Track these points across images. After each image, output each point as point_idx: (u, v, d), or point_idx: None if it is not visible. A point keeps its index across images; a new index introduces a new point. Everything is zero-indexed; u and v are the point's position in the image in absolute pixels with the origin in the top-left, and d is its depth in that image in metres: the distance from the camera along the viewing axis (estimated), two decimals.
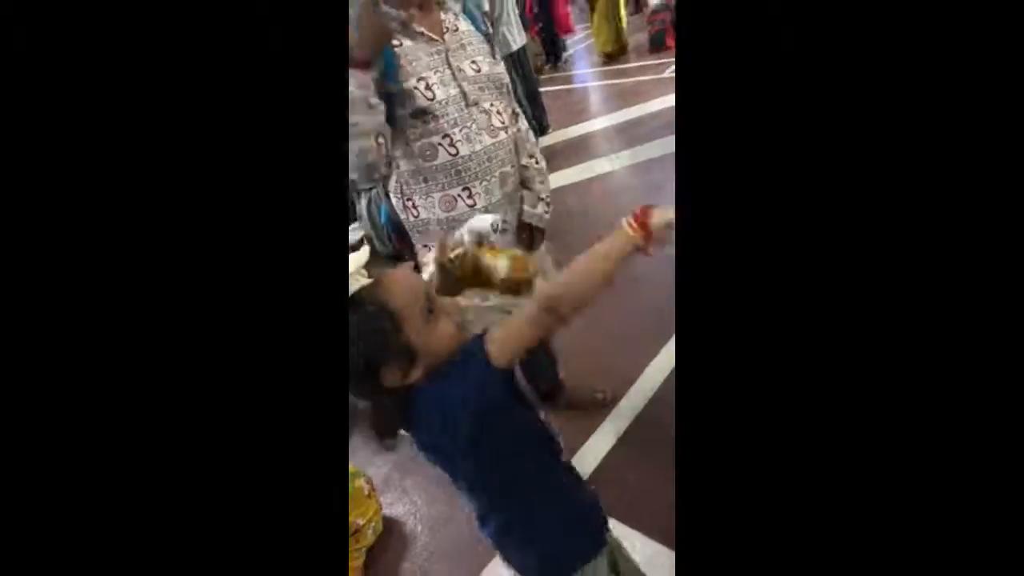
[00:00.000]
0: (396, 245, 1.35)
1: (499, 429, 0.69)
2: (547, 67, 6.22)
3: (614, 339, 1.95)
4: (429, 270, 0.80)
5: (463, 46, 1.14)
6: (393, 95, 1.07)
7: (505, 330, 0.66)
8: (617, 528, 1.39)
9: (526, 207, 1.31)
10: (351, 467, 1.56)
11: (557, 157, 3.76)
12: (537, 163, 1.33)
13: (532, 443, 0.75)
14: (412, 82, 1.07)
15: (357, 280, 0.61)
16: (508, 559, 0.81)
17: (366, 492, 1.52)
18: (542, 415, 0.79)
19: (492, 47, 1.22)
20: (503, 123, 1.19)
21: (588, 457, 1.61)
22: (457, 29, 1.14)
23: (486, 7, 3.66)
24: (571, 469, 0.83)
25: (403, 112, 1.08)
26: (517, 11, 3.96)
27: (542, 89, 4.39)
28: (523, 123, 1.33)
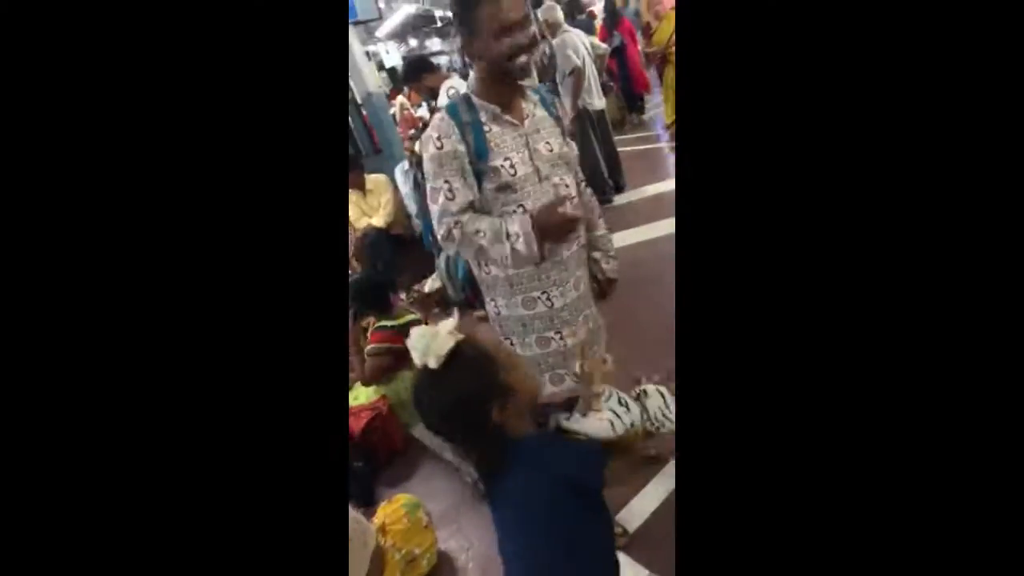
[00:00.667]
0: (469, 297, 1.54)
1: (568, 510, 0.76)
2: (632, 116, 6.48)
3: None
4: None
5: (538, 130, 1.33)
6: (482, 172, 1.26)
7: (622, 468, 0.79)
8: None
9: (601, 264, 1.50)
10: (413, 498, 1.68)
11: (630, 214, 3.86)
12: (600, 229, 1.52)
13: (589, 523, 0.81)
14: (499, 161, 1.26)
15: (454, 336, 0.73)
16: None
17: (424, 523, 1.64)
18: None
19: (562, 128, 1.39)
20: (568, 194, 1.35)
21: (636, 511, 1.63)
22: (534, 115, 1.33)
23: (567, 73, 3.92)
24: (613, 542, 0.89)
25: (489, 187, 1.27)
26: (598, 77, 4.18)
27: (622, 150, 4.55)
28: (589, 195, 1.50)
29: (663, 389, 0.83)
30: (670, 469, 1.73)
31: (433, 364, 0.72)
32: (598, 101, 4.05)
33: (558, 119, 1.39)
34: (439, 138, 1.24)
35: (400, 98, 6.55)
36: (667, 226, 3.47)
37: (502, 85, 1.26)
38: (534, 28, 1.22)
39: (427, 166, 1.26)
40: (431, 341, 0.72)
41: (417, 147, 1.37)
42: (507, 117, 1.27)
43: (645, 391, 0.83)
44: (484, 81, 1.27)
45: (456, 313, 0.80)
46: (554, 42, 3.91)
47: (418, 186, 1.40)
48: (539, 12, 3.91)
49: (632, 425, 0.79)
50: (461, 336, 0.74)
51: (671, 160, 4.56)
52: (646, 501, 1.65)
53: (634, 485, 1.70)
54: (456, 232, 1.24)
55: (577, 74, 3.85)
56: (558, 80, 4.00)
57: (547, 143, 1.32)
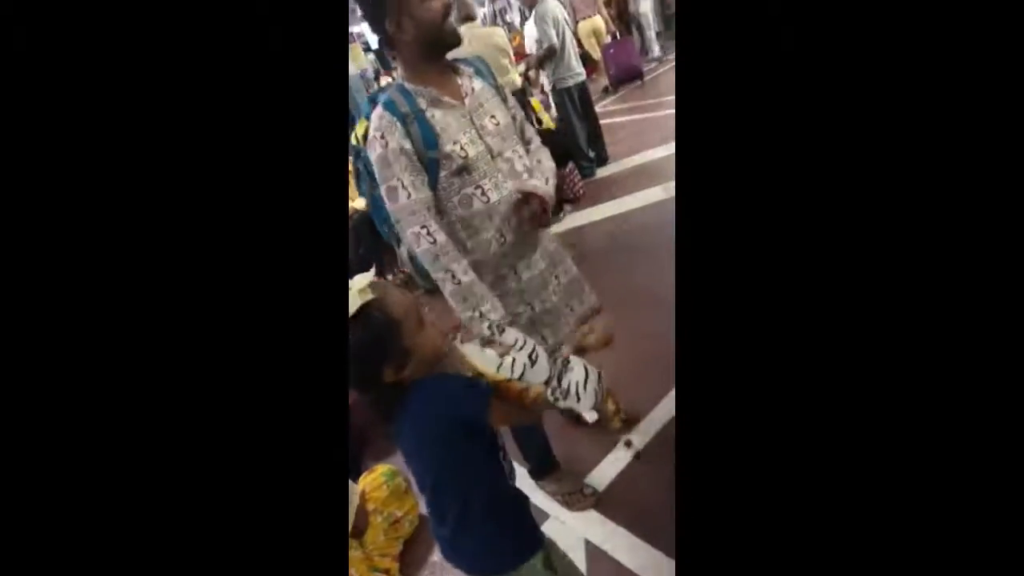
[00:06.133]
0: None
1: (465, 446, 0.83)
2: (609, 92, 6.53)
3: (639, 360, 2.02)
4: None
5: (481, 104, 1.28)
6: (434, 161, 1.21)
7: (507, 413, 0.84)
8: (624, 537, 1.50)
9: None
10: (392, 467, 1.77)
11: (613, 186, 3.89)
12: (548, 184, 1.36)
13: (479, 461, 0.88)
14: (449, 146, 1.21)
15: (365, 295, 0.77)
16: (448, 557, 0.94)
17: (403, 489, 1.73)
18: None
19: (503, 96, 1.36)
20: (526, 166, 1.34)
21: (606, 471, 1.71)
22: (473, 90, 1.29)
23: (533, 48, 3.89)
24: (506, 478, 0.94)
25: (444, 174, 1.23)
26: (577, 48, 4.15)
27: (609, 121, 4.55)
28: (543, 153, 1.41)
29: (591, 368, 0.83)
30: (638, 430, 1.80)
31: None
32: (578, 76, 4.04)
33: (497, 88, 1.35)
34: (382, 136, 1.18)
35: (387, 80, 6.51)
36: (650, 195, 3.49)
37: (432, 64, 1.22)
38: None
39: (376, 167, 1.21)
40: None
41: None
42: (446, 98, 1.23)
43: (568, 361, 0.83)
44: (413, 65, 1.23)
45: (373, 271, 0.85)
46: (532, 13, 3.90)
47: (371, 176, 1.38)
48: None
49: (521, 378, 0.80)
50: (370, 297, 0.78)
51: (660, 128, 4.54)
52: (612, 465, 1.73)
53: (602, 448, 1.78)
54: (425, 243, 1.20)
55: (552, 51, 3.84)
56: (531, 50, 3.99)
57: (492, 117, 1.29)
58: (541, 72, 4.30)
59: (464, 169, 1.23)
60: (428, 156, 1.21)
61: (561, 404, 0.82)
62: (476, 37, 3.43)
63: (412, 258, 1.48)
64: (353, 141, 1.43)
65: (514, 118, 1.37)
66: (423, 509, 1.76)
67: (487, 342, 0.86)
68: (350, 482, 1.65)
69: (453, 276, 1.22)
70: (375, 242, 3.24)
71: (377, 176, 1.22)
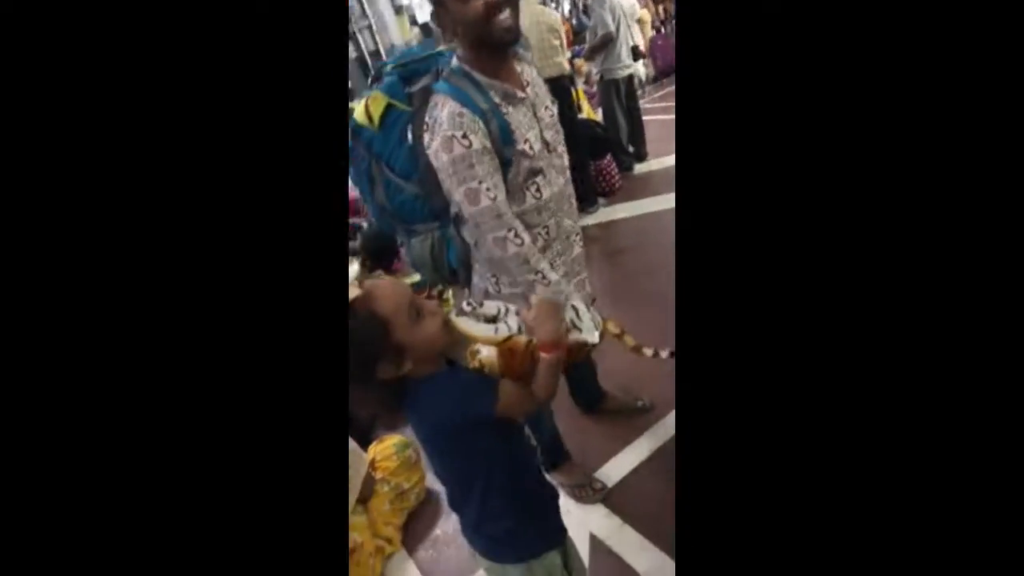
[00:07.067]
0: (462, 281, 1.40)
1: (477, 436, 0.81)
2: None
3: (656, 362, 1.99)
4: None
5: (538, 94, 1.21)
6: (508, 160, 1.13)
7: (515, 396, 0.80)
8: (629, 534, 1.48)
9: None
10: (404, 438, 1.77)
11: (649, 183, 3.83)
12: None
13: (494, 452, 0.85)
14: (521, 144, 1.14)
15: (351, 290, 0.75)
16: (468, 538, 0.93)
17: (413, 461, 1.73)
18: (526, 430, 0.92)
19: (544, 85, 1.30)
20: (566, 163, 1.30)
21: (619, 466, 1.69)
22: (532, 80, 1.21)
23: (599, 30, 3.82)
24: (530, 469, 0.93)
25: (514, 172, 1.15)
26: (630, 42, 4.08)
27: (651, 118, 4.48)
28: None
29: (579, 304, 0.82)
30: (655, 431, 1.78)
31: None
32: (627, 68, 3.97)
33: (537, 71, 1.28)
34: (464, 136, 1.06)
35: None
36: None
37: (494, 52, 1.11)
38: None
39: (453, 167, 1.09)
40: None
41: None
42: (516, 92, 1.15)
43: (560, 304, 0.82)
44: (477, 53, 1.12)
45: (356, 263, 0.82)
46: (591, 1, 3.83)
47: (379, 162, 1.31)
48: None
49: (520, 331, 0.79)
50: (356, 294, 0.75)
51: None
52: (626, 458, 1.71)
53: (616, 443, 1.76)
54: (513, 247, 1.13)
55: (607, 39, 3.77)
56: (588, 39, 3.92)
57: (547, 107, 1.23)
58: (592, 62, 4.23)
59: (536, 171, 1.18)
60: (505, 154, 1.13)
61: (567, 339, 0.80)
62: (527, 13, 3.37)
63: (435, 255, 1.39)
64: (360, 118, 1.29)
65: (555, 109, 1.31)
66: (430, 485, 1.77)
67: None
68: (359, 450, 1.66)
69: (543, 276, 1.16)
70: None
71: (451, 176, 1.11)
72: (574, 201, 1.35)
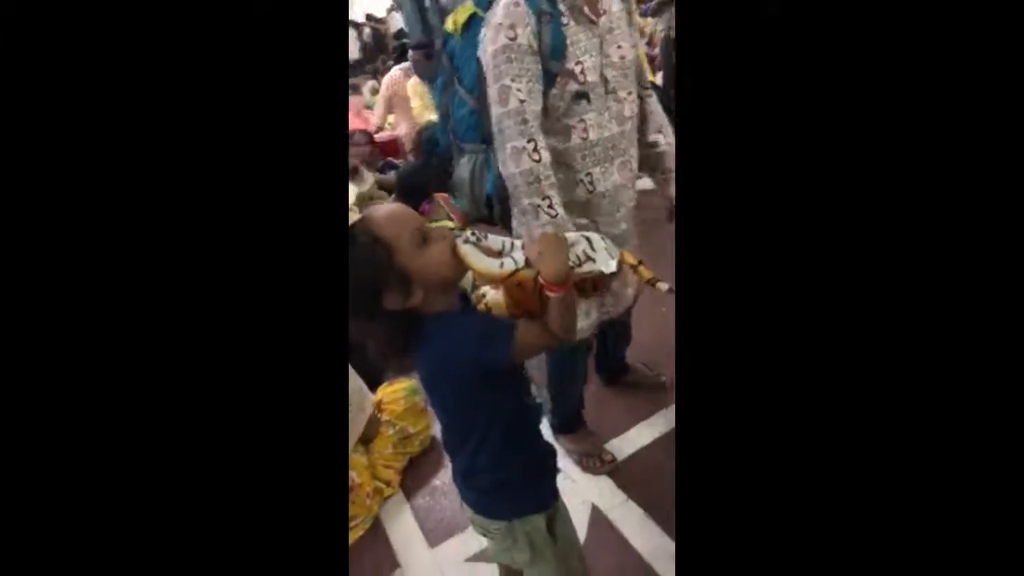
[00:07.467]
0: (497, 214, 1.31)
1: (483, 386, 0.75)
2: None
3: None
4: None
5: (612, 29, 1.14)
6: (552, 76, 1.08)
7: (532, 336, 0.72)
8: (632, 510, 1.42)
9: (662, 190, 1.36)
10: (413, 383, 1.73)
11: None
12: (667, 139, 1.32)
13: (495, 405, 0.80)
14: (572, 63, 1.08)
15: (351, 214, 0.69)
16: (459, 489, 0.90)
17: (420, 407, 1.70)
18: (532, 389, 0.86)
19: (632, 22, 1.22)
20: (632, 112, 1.21)
21: (632, 440, 1.63)
22: (611, 11, 1.14)
23: None
24: (529, 427, 0.88)
25: (556, 93, 1.09)
26: None
27: None
28: (655, 104, 1.33)
29: (592, 236, 0.74)
30: (670, 409, 1.70)
31: None
32: None
33: (629, 13, 1.21)
34: (512, 27, 1.04)
35: None
36: None
37: None
38: None
39: (493, 60, 1.06)
40: None
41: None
42: (587, 11, 1.09)
43: (567, 238, 0.74)
44: None
45: (353, 186, 0.75)
46: None
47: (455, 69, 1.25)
48: None
49: (527, 265, 0.70)
50: (355, 219, 0.69)
51: None
52: (640, 434, 1.65)
53: (632, 417, 1.69)
54: (528, 162, 1.04)
55: None
56: None
57: (619, 47, 1.15)
58: (658, 18, 3.99)
59: (578, 95, 1.10)
60: (548, 66, 1.07)
61: (580, 271, 0.72)
62: None
63: (474, 179, 1.31)
64: (450, 27, 1.27)
65: (636, 56, 1.23)
66: (436, 434, 1.74)
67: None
68: (365, 388, 1.63)
69: (550, 205, 1.08)
70: (447, 151, 3.04)
71: (490, 71, 1.07)
72: (632, 153, 1.25)
